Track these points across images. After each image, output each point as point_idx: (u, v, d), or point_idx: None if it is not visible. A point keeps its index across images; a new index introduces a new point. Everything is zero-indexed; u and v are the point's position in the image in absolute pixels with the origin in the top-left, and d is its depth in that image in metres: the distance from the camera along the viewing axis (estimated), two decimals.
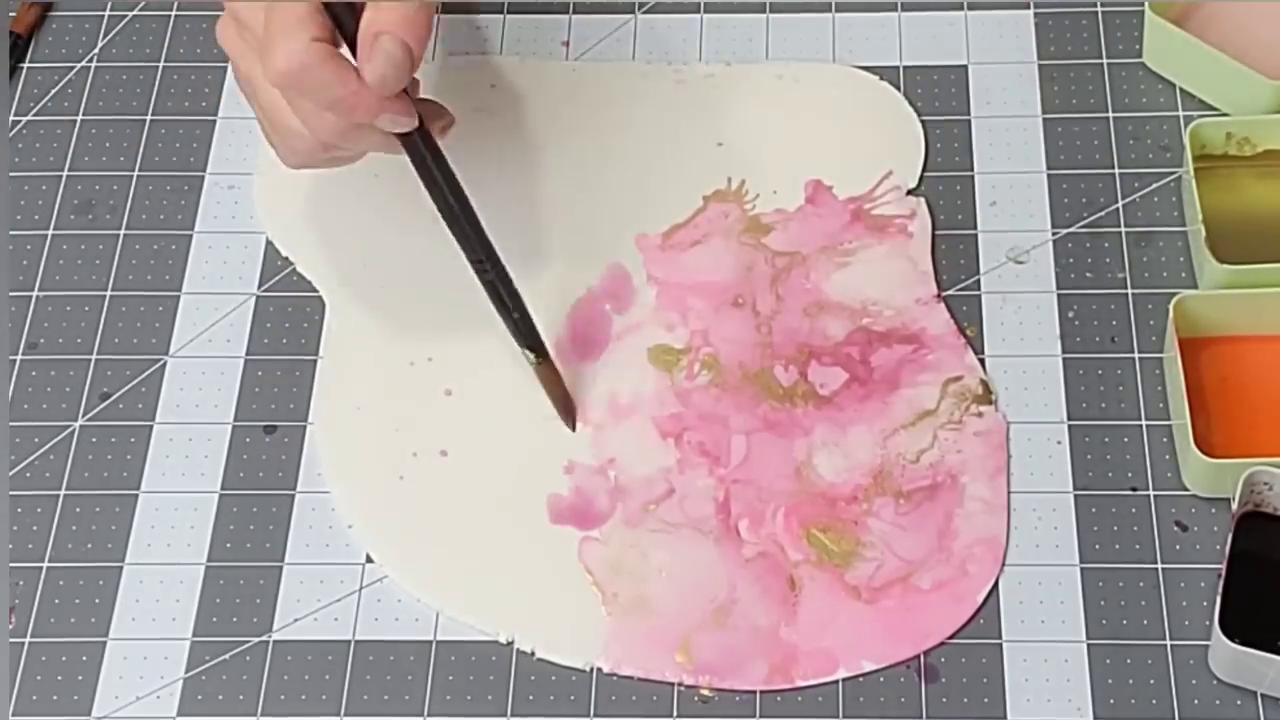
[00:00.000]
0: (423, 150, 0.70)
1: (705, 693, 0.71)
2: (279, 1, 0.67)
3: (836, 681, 0.70)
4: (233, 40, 0.71)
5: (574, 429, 0.76)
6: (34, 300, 0.81)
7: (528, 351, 0.74)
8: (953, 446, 0.75)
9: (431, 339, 0.79)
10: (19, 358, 0.80)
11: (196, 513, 0.75)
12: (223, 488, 0.76)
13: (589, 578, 0.73)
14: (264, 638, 0.73)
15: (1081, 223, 0.80)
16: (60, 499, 0.76)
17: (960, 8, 0.86)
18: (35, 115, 0.86)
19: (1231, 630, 0.67)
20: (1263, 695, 0.69)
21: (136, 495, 0.76)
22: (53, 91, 0.87)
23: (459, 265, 0.80)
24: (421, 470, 0.76)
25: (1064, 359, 0.77)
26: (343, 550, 0.74)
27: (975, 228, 0.80)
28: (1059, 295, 0.78)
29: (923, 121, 0.83)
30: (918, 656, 0.71)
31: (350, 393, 0.78)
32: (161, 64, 0.87)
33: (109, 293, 0.81)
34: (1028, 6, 0.86)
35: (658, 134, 0.84)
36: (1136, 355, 0.77)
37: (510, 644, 0.72)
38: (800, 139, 0.83)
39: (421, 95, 0.72)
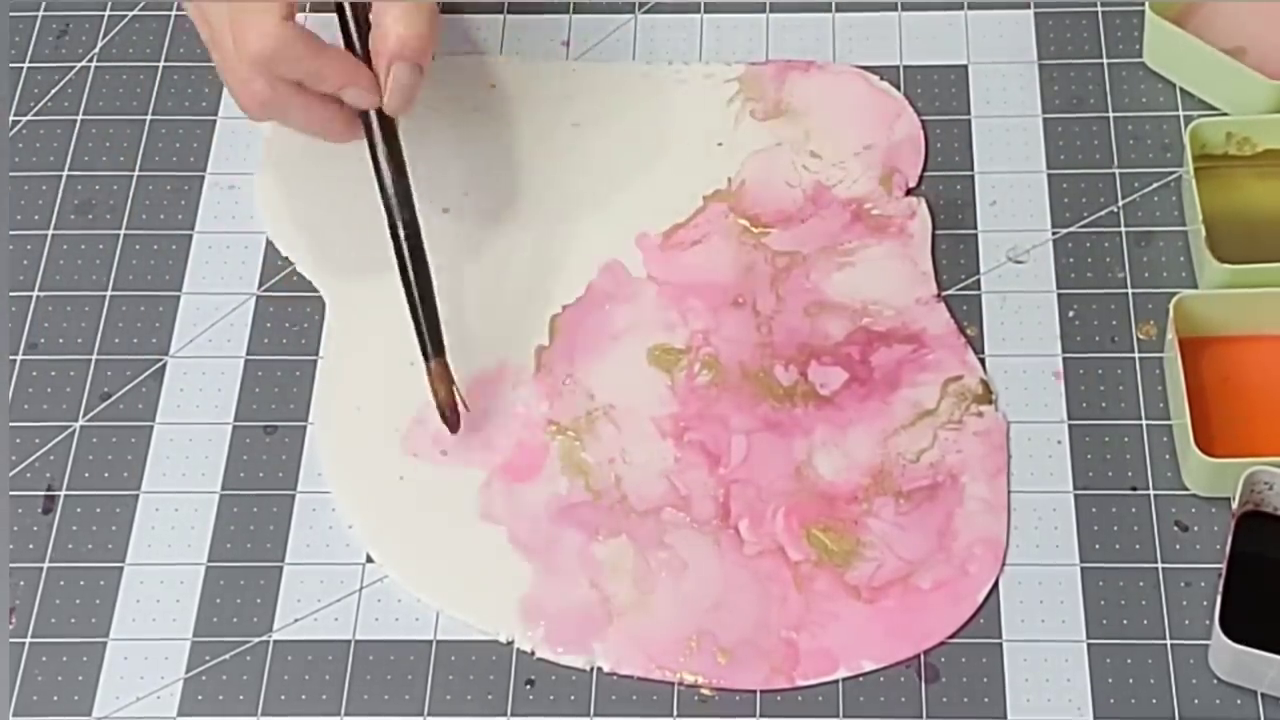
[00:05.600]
0: (375, 127, 0.74)
1: (705, 693, 0.71)
2: None
3: (836, 681, 0.70)
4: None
5: (455, 431, 0.74)
6: (34, 300, 0.81)
7: (426, 352, 0.73)
8: (953, 446, 0.75)
9: None
10: (19, 358, 0.80)
11: (196, 513, 0.75)
12: (223, 488, 0.76)
13: (589, 578, 0.73)
14: (264, 638, 0.73)
15: (1081, 223, 0.80)
16: (60, 499, 0.76)
17: (960, 8, 0.86)
18: (35, 115, 0.86)
19: (1231, 630, 0.67)
20: (1263, 695, 0.69)
21: (136, 495, 0.76)
22: (53, 91, 0.87)
23: (458, 265, 0.80)
24: (421, 470, 0.76)
25: (1064, 359, 0.77)
26: (343, 550, 0.74)
27: (975, 228, 0.80)
28: (1059, 295, 0.78)
29: (923, 121, 0.83)
30: (918, 656, 0.71)
31: (350, 393, 0.78)
32: (161, 64, 0.87)
33: (109, 293, 0.81)
34: (1028, 6, 0.86)
35: (658, 134, 0.84)
36: (1136, 355, 0.77)
37: (510, 644, 0.72)
38: (800, 139, 0.83)
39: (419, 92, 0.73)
